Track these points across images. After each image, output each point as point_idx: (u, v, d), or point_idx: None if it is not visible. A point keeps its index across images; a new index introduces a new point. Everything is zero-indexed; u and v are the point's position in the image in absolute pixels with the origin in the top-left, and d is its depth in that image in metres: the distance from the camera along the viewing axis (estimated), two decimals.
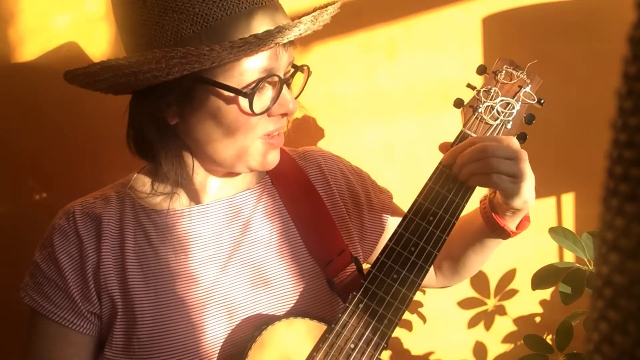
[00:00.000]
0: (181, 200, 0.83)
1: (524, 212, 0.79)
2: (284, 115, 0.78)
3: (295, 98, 0.80)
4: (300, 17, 0.73)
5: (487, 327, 1.28)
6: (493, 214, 0.80)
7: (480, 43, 1.13)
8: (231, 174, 0.84)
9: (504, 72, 0.82)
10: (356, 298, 0.75)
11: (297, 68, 0.80)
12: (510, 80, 0.82)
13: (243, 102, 0.73)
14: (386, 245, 0.76)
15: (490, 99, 0.80)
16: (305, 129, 1.14)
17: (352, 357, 0.74)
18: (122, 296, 0.77)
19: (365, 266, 0.85)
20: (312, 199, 0.87)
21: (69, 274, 0.78)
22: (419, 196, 0.77)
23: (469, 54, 1.13)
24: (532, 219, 0.83)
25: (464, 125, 0.80)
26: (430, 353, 1.28)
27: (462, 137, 0.79)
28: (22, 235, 0.96)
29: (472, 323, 1.28)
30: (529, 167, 0.73)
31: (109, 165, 1.03)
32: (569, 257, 1.21)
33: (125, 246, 0.79)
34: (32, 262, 0.81)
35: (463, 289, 1.25)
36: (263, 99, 0.75)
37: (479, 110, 0.80)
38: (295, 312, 0.81)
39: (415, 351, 1.28)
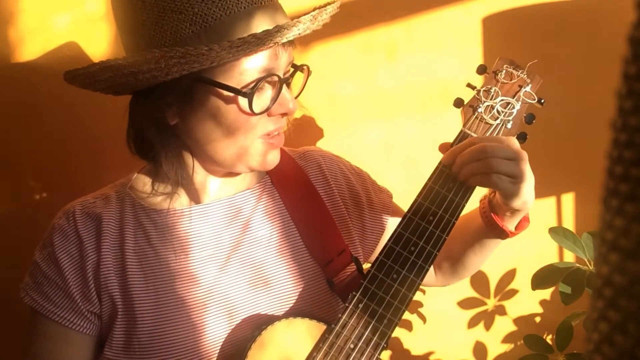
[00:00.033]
0: (181, 200, 0.83)
1: (523, 213, 0.79)
2: (284, 115, 0.78)
3: (295, 98, 0.80)
4: (299, 16, 0.73)
5: (487, 327, 1.28)
6: (492, 214, 0.80)
7: (480, 43, 1.13)
8: (231, 174, 0.84)
9: (504, 71, 0.82)
10: (356, 298, 0.75)
11: (296, 68, 0.80)
12: (511, 80, 0.81)
13: (243, 101, 0.73)
14: (386, 245, 0.76)
15: (491, 99, 0.80)
16: (305, 129, 1.14)
17: (352, 357, 0.74)
18: (122, 296, 0.77)
19: (366, 266, 0.85)
20: (312, 199, 0.87)
21: (69, 273, 0.78)
22: (418, 196, 0.77)
23: (469, 53, 1.13)
24: (532, 219, 0.83)
25: (464, 125, 0.80)
26: (430, 353, 1.28)
27: (462, 137, 0.79)
28: (22, 235, 0.96)
29: (472, 323, 1.28)
30: (528, 167, 0.73)
31: (109, 165, 1.03)
32: (569, 257, 1.21)
33: (125, 246, 0.79)
34: (32, 262, 0.81)
35: (463, 289, 1.25)
36: (263, 99, 0.75)
37: (479, 110, 0.80)
38: (295, 312, 0.81)
39: (415, 351, 1.28)
